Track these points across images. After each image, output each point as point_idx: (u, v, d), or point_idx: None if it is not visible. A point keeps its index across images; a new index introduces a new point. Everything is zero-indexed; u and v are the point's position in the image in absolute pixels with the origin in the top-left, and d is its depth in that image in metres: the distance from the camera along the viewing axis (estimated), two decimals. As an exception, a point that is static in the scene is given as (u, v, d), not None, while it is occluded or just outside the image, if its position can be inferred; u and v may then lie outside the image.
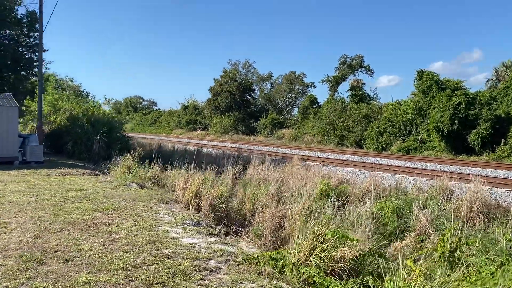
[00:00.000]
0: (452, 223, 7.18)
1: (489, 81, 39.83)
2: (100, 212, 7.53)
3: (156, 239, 6.01)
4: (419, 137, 29.32)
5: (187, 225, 7.20)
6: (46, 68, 25.17)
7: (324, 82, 44.33)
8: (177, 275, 4.66)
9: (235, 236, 9.34)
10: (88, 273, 4.54)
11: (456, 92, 26.97)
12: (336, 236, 5.38)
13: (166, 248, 5.60)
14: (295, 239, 5.83)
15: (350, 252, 5.34)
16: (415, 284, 4.42)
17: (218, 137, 46.64)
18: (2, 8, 21.13)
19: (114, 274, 4.53)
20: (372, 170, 17.40)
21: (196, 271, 4.86)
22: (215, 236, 6.97)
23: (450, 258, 6.09)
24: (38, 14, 20.30)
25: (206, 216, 9.55)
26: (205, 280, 4.63)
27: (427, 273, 4.84)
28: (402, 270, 4.63)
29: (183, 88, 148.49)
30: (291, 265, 5.29)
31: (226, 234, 9.38)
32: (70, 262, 4.85)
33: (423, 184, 13.06)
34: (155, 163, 14.05)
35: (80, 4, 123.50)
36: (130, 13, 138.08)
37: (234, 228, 9.60)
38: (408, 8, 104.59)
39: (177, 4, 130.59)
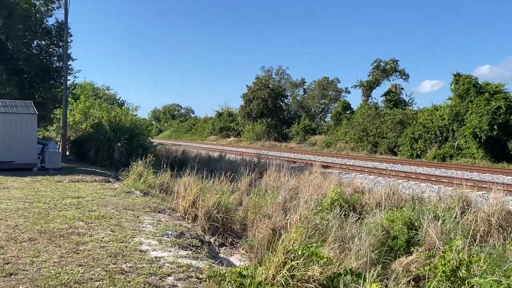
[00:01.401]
0: (458, 237, 6.38)
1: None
2: (82, 221, 7.28)
3: (122, 251, 5.65)
4: (456, 143, 27.76)
5: (168, 236, 6.81)
6: (75, 76, 25.73)
7: (357, 87, 43.15)
8: (119, 293, 4.25)
9: (230, 248, 8.91)
10: (22, 289, 4.22)
11: (495, 96, 25.34)
12: (306, 252, 4.81)
13: (125, 262, 5.22)
14: (265, 255, 5.31)
15: (319, 271, 4.75)
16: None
17: (250, 143, 46.38)
18: (32, 20, 21.83)
19: (49, 291, 4.18)
20: (397, 178, 16.49)
21: (144, 289, 4.44)
22: (194, 248, 6.52)
23: (452, 278, 5.36)
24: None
25: (202, 226, 9.16)
26: (148, 300, 4.19)
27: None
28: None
29: (219, 95, 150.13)
30: (256, 284, 4.76)
31: (221, 245, 8.96)
32: (12, 276, 4.55)
33: (447, 194, 12.08)
34: (166, 170, 13.85)
35: (120, 15, 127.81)
36: (168, 23, 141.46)
37: (230, 239, 9.17)
38: (454, 12, 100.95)
39: (212, 12, 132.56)
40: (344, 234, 7.77)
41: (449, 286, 5.24)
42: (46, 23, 23.25)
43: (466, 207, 9.40)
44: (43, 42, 23.18)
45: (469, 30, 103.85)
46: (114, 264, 5.11)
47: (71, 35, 23.52)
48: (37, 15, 22.80)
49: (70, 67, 24.11)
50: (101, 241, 6.10)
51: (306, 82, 55.47)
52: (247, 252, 8.02)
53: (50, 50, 23.26)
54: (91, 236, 6.34)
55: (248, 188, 13.46)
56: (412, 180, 15.84)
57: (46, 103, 23.15)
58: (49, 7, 23.06)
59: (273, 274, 4.88)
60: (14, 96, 19.36)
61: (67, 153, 21.83)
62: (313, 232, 7.72)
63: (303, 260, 4.87)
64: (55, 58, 23.30)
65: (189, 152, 26.05)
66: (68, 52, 22.80)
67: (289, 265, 4.86)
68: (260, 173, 15.90)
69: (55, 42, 23.18)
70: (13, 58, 20.11)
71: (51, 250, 5.56)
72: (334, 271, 4.93)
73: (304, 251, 4.80)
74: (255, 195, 11.44)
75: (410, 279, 6.04)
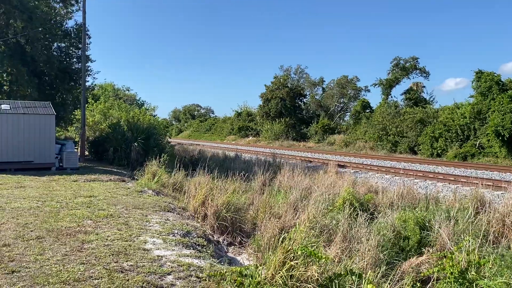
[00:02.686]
0: (467, 237, 6.19)
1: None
2: (90, 220, 7.37)
3: (125, 250, 5.69)
4: (478, 142, 27.09)
5: (173, 235, 6.83)
6: (94, 78, 26.22)
7: (377, 86, 42.59)
8: (116, 291, 4.28)
9: (239, 247, 8.90)
10: (22, 286, 4.29)
11: (518, 93, 24.63)
12: (305, 252, 4.74)
13: (127, 261, 5.25)
14: (266, 255, 5.26)
15: (319, 271, 4.67)
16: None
17: (268, 143, 46.32)
18: (52, 23, 22.29)
19: (47, 289, 4.24)
20: (414, 177, 16.21)
21: (142, 288, 4.45)
22: (198, 247, 6.52)
23: (460, 280, 5.21)
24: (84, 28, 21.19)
25: (211, 225, 9.18)
26: (144, 299, 4.21)
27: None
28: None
29: (238, 95, 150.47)
30: (255, 284, 4.72)
31: (230, 244, 8.96)
32: (14, 274, 4.63)
33: (463, 194, 11.78)
34: (180, 170, 13.94)
35: (140, 16, 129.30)
36: (188, 24, 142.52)
37: (239, 238, 9.16)
38: (477, 9, 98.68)
39: (229, 12, 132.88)
40: (352, 234, 7.67)
41: (457, 288, 5.09)
42: (66, 25, 23.76)
43: (481, 207, 9.15)
44: (62, 44, 23.67)
45: (495, 26, 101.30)
46: (115, 262, 5.15)
47: (89, 37, 23.98)
48: (57, 18, 23.29)
49: (89, 68, 24.57)
50: (106, 239, 6.16)
51: (325, 81, 55.12)
52: (255, 252, 8.00)
53: (69, 52, 23.72)
54: (97, 234, 6.41)
55: (262, 187, 13.44)
56: (429, 180, 15.53)
57: (66, 104, 23.62)
58: (69, 9, 23.53)
59: (272, 274, 4.83)
60: (34, 97, 19.81)
61: (86, 152, 22.21)
62: (320, 232, 7.65)
63: (302, 260, 4.81)
64: (75, 59, 23.77)
65: (205, 152, 26.17)
66: (87, 54, 23.22)
67: (288, 265, 4.81)
68: (274, 173, 15.85)
69: (74, 44, 23.63)
70: (34, 61, 20.58)
71: (56, 248, 5.64)
72: (335, 272, 4.85)
73: (303, 251, 4.74)
74: (268, 194, 11.42)
75: (417, 281, 5.91)
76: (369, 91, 51.43)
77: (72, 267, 4.89)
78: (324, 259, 4.66)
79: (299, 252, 4.83)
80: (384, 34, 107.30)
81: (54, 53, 22.82)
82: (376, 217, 9.42)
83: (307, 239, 5.57)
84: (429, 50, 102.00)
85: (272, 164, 18.63)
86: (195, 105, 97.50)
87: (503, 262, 6.30)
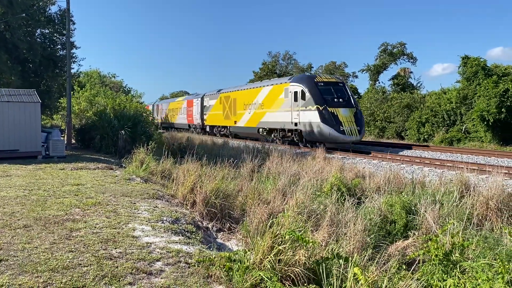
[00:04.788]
0: (451, 220, 6.32)
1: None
2: (78, 208, 7.34)
3: (114, 237, 5.69)
4: (464, 127, 27.43)
5: (162, 222, 6.85)
6: (79, 64, 25.85)
7: (364, 71, 42.73)
8: (105, 278, 4.29)
9: (228, 233, 8.95)
10: (10, 274, 4.28)
11: (503, 79, 24.90)
12: (292, 237, 4.80)
13: (116, 248, 5.26)
14: (254, 240, 5.32)
15: (306, 255, 4.74)
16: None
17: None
18: (34, 9, 21.81)
19: (36, 277, 4.23)
20: (400, 162, 16.38)
21: (131, 274, 4.47)
22: (188, 234, 6.56)
23: (444, 262, 5.32)
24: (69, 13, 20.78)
25: (200, 211, 9.21)
26: (133, 285, 4.23)
27: (378, 281, 4.15)
28: (351, 278, 3.99)
29: (227, 82, 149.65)
30: (243, 268, 4.77)
31: (219, 230, 9.01)
32: (2, 262, 4.60)
33: (450, 178, 11.96)
34: (168, 157, 13.91)
35: (124, 3, 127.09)
36: (175, 9, 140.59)
37: (228, 224, 9.21)
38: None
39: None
40: (339, 219, 7.77)
41: (441, 269, 5.20)
42: (49, 11, 23.26)
43: (466, 191, 9.32)
44: (46, 31, 23.20)
45: (482, 11, 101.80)
46: (104, 250, 5.16)
47: (74, 23, 23.56)
48: (40, 3, 22.78)
49: (74, 55, 24.19)
50: (95, 227, 6.16)
51: (313, 67, 54.99)
52: (244, 237, 8.06)
53: (53, 38, 23.29)
54: (85, 222, 6.40)
55: (251, 174, 13.48)
56: (416, 165, 15.73)
57: (51, 91, 23.28)
58: (52, -5, 23.02)
59: (261, 259, 4.89)
60: (18, 85, 19.47)
61: (73, 141, 21.99)
62: (308, 217, 7.74)
63: (290, 244, 4.87)
64: (59, 46, 23.37)
65: (194, 139, 26.09)
66: (72, 40, 22.83)
67: (276, 250, 4.87)
68: (263, 159, 15.89)
69: (58, 30, 23.20)
70: (16, 47, 20.16)
71: (43, 236, 5.62)
72: (322, 255, 4.92)
73: (291, 235, 4.79)
74: (256, 181, 11.46)
75: (403, 263, 6.02)
76: (356, 77, 51.60)
77: (60, 255, 4.88)
78: (311, 243, 4.73)
79: (287, 237, 4.90)
80: (371, 20, 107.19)
81: (38, 39, 22.37)
82: (363, 202, 9.53)
83: (295, 224, 5.63)
84: (416, 35, 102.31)
85: (261, 150, 18.65)
86: (182, 92, 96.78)
87: (486, 244, 6.45)
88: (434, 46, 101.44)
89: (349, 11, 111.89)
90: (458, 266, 5.20)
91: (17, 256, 4.82)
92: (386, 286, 3.88)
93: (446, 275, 5.09)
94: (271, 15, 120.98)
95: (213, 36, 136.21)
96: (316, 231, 7.05)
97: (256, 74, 51.55)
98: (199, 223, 8.30)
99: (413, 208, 8.74)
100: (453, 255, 5.37)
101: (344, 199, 8.86)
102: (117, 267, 4.62)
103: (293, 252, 4.85)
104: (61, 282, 4.12)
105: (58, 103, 24.44)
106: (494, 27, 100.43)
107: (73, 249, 5.12)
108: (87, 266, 4.58)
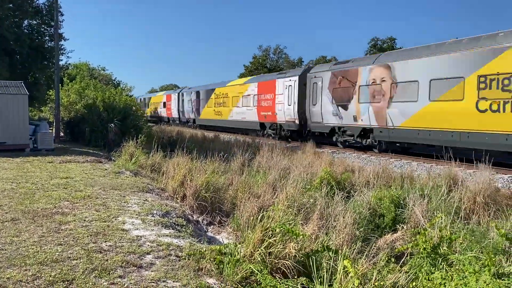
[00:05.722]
0: (439, 214, 6.40)
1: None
2: (67, 201, 7.29)
3: (104, 230, 5.67)
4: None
5: (152, 216, 6.82)
6: (68, 56, 25.48)
7: (355, 66, 42.80)
8: (95, 271, 4.27)
9: (218, 227, 8.97)
10: (-2, 268, 4.25)
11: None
12: (283, 230, 4.83)
13: (106, 241, 5.24)
14: (245, 233, 5.33)
15: (297, 248, 4.77)
16: (351, 287, 3.82)
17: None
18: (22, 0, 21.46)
19: (25, 270, 4.20)
20: (390, 157, 16.50)
21: (121, 267, 4.46)
22: (178, 227, 6.55)
23: (432, 255, 5.39)
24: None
25: (190, 205, 9.20)
26: (123, 278, 4.22)
27: (367, 274, 4.19)
28: (340, 271, 4.03)
29: (217, 75, 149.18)
30: (234, 261, 4.79)
31: (209, 224, 9.02)
32: (-11, 255, 4.58)
33: (438, 173, 12.09)
34: (158, 150, 13.85)
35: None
36: (165, 3, 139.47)
37: (219, 218, 9.22)
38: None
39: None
40: (329, 212, 7.83)
41: (429, 262, 5.26)
42: (37, 2, 22.91)
43: (453, 186, 9.43)
44: (33, 22, 22.86)
45: (471, 4, 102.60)
46: (94, 243, 5.14)
47: (62, 14, 23.25)
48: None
49: (62, 47, 23.91)
50: (84, 220, 6.12)
51: (303, 61, 55.11)
52: (234, 231, 8.08)
53: (41, 30, 22.96)
54: (74, 215, 6.35)
55: (241, 168, 13.48)
56: (405, 159, 15.85)
57: (39, 83, 23.00)
58: (39, -15, 22.66)
59: (251, 252, 4.91)
60: (5, 76, 19.18)
61: (61, 133, 21.78)
62: (298, 210, 7.78)
63: (280, 237, 4.90)
64: (47, 38, 23.04)
65: (184, 133, 26.01)
66: (60, 32, 22.54)
67: (267, 243, 4.89)
68: (253, 153, 15.90)
69: (46, 21, 22.88)
70: (3, 38, 19.83)
71: (32, 230, 5.57)
72: (312, 248, 4.96)
73: (281, 228, 4.82)
74: (247, 175, 11.47)
75: (391, 256, 6.09)
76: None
77: (49, 248, 4.85)
78: (301, 236, 4.76)
79: (277, 230, 4.92)
80: (362, 15, 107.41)
81: (25, 30, 22.03)
82: (353, 196, 9.62)
83: (285, 217, 5.66)
84: (406, 30, 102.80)
85: (251, 145, 18.67)
86: (172, 85, 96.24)
87: (473, 237, 6.55)
88: (424, 41, 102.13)
89: (339, 6, 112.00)
90: (445, 259, 5.27)
91: (5, 250, 4.78)
92: (375, 278, 3.92)
93: (434, 268, 5.16)
94: (263, 9, 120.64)
95: (206, 29, 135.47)
96: (306, 224, 7.09)
97: (246, 68, 51.43)
98: (190, 216, 8.30)
99: (401, 202, 8.84)
100: (441, 248, 5.45)
101: (334, 193, 8.92)
102: (107, 260, 4.61)
103: (284, 245, 4.88)
104: (50, 276, 4.09)
105: (46, 95, 24.13)
106: (483, 19, 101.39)
107: (62, 242, 5.09)
108: (76, 259, 4.56)
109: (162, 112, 46.40)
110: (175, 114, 42.21)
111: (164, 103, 45.71)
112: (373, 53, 42.49)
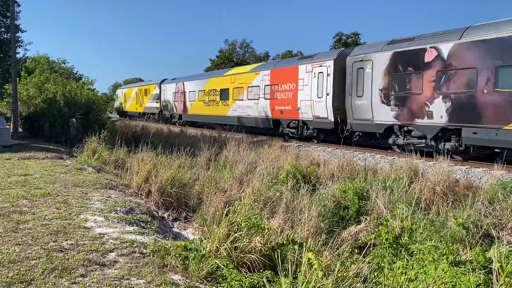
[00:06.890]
0: (401, 205, 6.59)
1: None
2: (26, 199, 7.03)
3: (65, 229, 5.50)
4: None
5: (116, 212, 6.69)
6: (26, 49, 24.48)
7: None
8: (56, 271, 4.15)
9: (184, 222, 8.89)
10: (-49, 270, 4.05)
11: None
12: (248, 224, 4.84)
13: (67, 240, 5.09)
14: (211, 228, 5.31)
15: (262, 242, 4.80)
16: (315, 279, 3.87)
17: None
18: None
19: (-20, 272, 4.03)
20: (354, 150, 16.83)
21: (83, 266, 4.35)
22: (142, 224, 6.44)
23: (394, 245, 5.52)
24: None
25: (155, 201, 9.07)
26: (85, 277, 4.11)
27: (331, 266, 4.27)
28: (305, 263, 4.08)
29: (182, 69, 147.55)
30: (199, 257, 4.76)
31: (175, 220, 8.93)
32: None
33: (400, 165, 12.43)
34: (122, 146, 13.59)
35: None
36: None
37: (185, 213, 9.14)
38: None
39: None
40: (294, 205, 7.91)
41: (391, 252, 5.40)
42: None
43: (414, 177, 9.72)
44: (-12, 13, 21.84)
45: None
46: (54, 242, 4.98)
47: (19, 5, 22.34)
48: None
49: (19, 39, 22.95)
50: (44, 219, 5.92)
51: (270, 55, 55.26)
52: (200, 226, 8.03)
53: (-4, 21, 21.98)
54: (33, 214, 6.14)
55: (208, 162, 13.41)
56: (368, 152, 16.20)
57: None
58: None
59: (217, 247, 4.90)
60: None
61: (20, 129, 20.98)
62: (264, 204, 7.82)
63: (246, 231, 4.90)
64: (3, 29, 22.07)
65: (149, 127, 25.60)
66: (17, 23, 21.63)
67: (233, 237, 4.89)
68: (220, 148, 15.85)
69: (2, 12, 21.89)
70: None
71: (-12, 229, 5.35)
72: (278, 242, 4.99)
73: (247, 222, 4.83)
74: (213, 169, 11.42)
75: (355, 247, 6.22)
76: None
77: (6, 249, 4.67)
78: (267, 230, 4.79)
79: (243, 224, 4.93)
80: (327, 10, 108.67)
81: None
82: (318, 189, 9.75)
83: (251, 211, 5.68)
84: (369, 25, 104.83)
85: (218, 139, 18.60)
86: (137, 79, 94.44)
87: (432, 227, 6.78)
88: (388, 36, 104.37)
89: (304, 2, 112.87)
90: (407, 248, 5.43)
91: (-41, 251, 4.57)
92: (339, 269, 3.99)
93: (395, 258, 5.30)
94: (230, 3, 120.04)
95: (170, 21, 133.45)
96: (272, 218, 7.14)
97: (213, 62, 51.08)
98: (155, 212, 8.19)
99: (365, 194, 9.04)
100: (402, 239, 5.60)
101: (300, 186, 9.01)
102: (68, 259, 4.48)
103: (249, 239, 4.89)
104: (7, 277, 3.94)
105: (3, 90, 23.14)
106: (456, 15, 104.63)
107: (20, 242, 4.90)
108: (35, 259, 4.41)
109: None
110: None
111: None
112: (337, 47, 43.13)
